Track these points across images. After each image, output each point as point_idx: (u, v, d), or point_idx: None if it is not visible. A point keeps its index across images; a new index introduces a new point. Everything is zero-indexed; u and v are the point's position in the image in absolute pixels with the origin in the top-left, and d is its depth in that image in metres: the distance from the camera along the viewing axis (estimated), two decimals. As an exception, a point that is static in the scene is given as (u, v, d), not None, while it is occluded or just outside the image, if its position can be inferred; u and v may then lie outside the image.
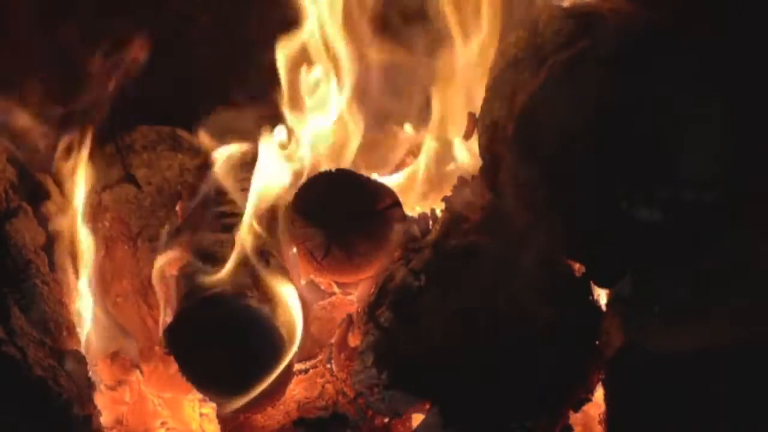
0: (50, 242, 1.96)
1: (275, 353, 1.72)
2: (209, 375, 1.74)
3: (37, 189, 2.05)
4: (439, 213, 1.86)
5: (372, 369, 1.66)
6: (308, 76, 2.13)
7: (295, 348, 1.75)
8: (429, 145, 2.14)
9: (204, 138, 2.18)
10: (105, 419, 1.84)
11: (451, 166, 2.14)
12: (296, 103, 2.12)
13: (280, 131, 2.11)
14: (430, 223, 1.90)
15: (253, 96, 2.14)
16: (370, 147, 2.21)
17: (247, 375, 1.71)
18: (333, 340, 1.84)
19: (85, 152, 2.06)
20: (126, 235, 2.08)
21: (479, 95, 1.80)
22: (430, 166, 2.15)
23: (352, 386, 1.72)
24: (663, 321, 1.58)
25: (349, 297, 1.95)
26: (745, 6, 1.57)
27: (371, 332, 1.69)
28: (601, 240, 1.59)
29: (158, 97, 2.28)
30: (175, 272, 1.93)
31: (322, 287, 1.96)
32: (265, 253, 1.85)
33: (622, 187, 1.55)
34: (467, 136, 1.83)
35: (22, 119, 2.07)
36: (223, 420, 1.80)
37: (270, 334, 1.73)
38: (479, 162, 1.78)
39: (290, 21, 2.10)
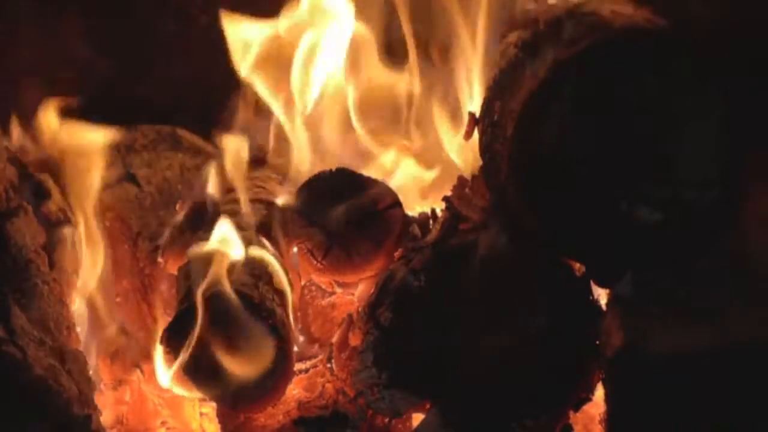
0: (50, 242, 1.96)
1: (270, 350, 1.72)
2: (206, 373, 1.74)
3: (37, 189, 2.05)
4: (439, 213, 1.86)
5: (372, 369, 1.66)
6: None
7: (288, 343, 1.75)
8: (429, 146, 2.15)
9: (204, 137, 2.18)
10: (105, 419, 1.84)
11: (450, 166, 2.14)
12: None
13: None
14: (430, 223, 1.90)
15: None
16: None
17: (238, 372, 1.71)
18: (333, 340, 1.84)
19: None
20: (126, 234, 2.08)
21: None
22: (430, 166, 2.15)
23: (352, 386, 1.72)
24: (663, 321, 1.58)
25: (349, 297, 1.95)
26: (744, 6, 1.58)
27: (371, 332, 1.69)
28: (601, 240, 1.59)
29: (158, 97, 2.28)
30: (175, 272, 1.93)
31: (322, 287, 1.96)
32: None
33: (622, 187, 1.55)
34: (467, 136, 1.83)
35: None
36: (223, 420, 1.80)
37: (265, 331, 1.73)
38: (479, 162, 1.78)
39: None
